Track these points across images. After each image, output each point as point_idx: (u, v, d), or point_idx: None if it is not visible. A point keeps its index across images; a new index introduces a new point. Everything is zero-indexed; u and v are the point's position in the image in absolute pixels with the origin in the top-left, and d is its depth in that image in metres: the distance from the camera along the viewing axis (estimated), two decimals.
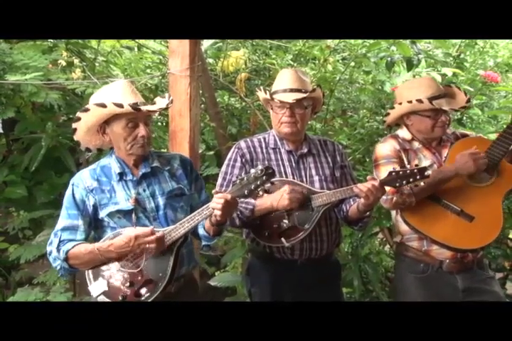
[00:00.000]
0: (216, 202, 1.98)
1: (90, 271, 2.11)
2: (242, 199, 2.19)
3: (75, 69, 3.30)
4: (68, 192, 2.13)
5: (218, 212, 1.99)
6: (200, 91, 3.29)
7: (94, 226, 2.17)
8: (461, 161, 2.38)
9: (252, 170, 1.98)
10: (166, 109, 2.17)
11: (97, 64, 3.85)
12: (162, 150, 3.58)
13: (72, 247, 2.07)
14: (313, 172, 2.45)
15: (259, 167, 1.97)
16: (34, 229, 4.09)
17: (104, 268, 2.08)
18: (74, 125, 2.13)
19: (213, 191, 2.04)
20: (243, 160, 2.43)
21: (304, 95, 2.37)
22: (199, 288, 2.42)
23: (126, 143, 2.08)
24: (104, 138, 2.12)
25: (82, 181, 2.12)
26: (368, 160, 3.87)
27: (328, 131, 4.00)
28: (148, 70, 4.34)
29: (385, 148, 2.51)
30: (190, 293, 2.21)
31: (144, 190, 2.13)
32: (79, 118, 2.09)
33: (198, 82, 2.94)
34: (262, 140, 2.50)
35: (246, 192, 1.98)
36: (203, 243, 2.24)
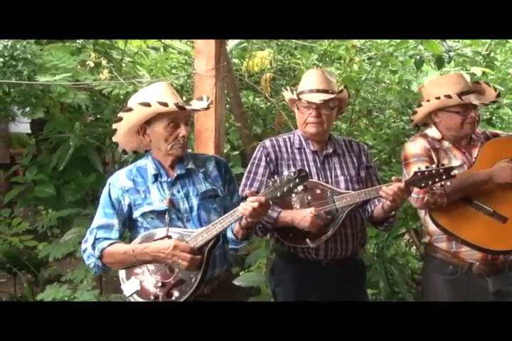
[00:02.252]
0: (249, 205, 1.98)
1: (124, 270, 2.13)
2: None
3: (102, 70, 3.35)
4: (105, 191, 2.17)
5: (250, 215, 1.99)
6: (226, 92, 3.31)
7: (129, 226, 2.20)
8: (499, 171, 2.34)
9: (285, 173, 1.99)
10: (207, 109, 2.20)
11: (123, 64, 3.91)
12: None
13: (108, 246, 2.09)
14: (339, 172, 2.44)
15: (292, 169, 1.99)
16: (62, 227, 4.17)
17: (137, 267, 2.11)
18: (114, 126, 2.15)
19: (246, 192, 2.05)
20: (268, 159, 2.44)
21: (331, 96, 2.37)
22: (233, 290, 2.46)
23: (166, 144, 2.10)
24: (144, 138, 2.15)
25: (118, 181, 2.16)
26: (393, 160, 3.84)
27: (354, 132, 3.98)
28: (173, 70, 4.39)
29: (415, 146, 2.48)
30: (224, 294, 2.21)
31: (178, 191, 2.15)
32: (120, 119, 2.12)
33: (223, 82, 2.96)
34: (287, 140, 2.51)
35: (279, 194, 1.98)
36: (230, 246, 2.25)
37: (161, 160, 2.17)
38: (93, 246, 2.11)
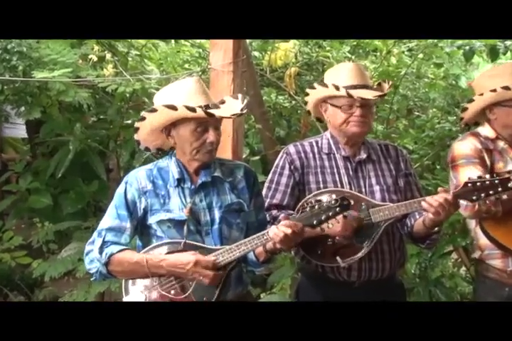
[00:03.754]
0: (282, 230, 2.00)
1: (129, 281, 2.18)
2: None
3: (106, 65, 3.42)
4: (120, 190, 2.19)
5: (281, 241, 2.01)
6: (245, 89, 3.32)
7: (140, 233, 2.23)
8: None
9: (326, 199, 2.05)
10: (241, 115, 2.23)
11: (130, 58, 3.98)
12: None
13: (118, 252, 2.10)
14: (373, 181, 2.45)
15: (334, 196, 2.03)
16: (59, 242, 4.23)
17: (145, 280, 2.14)
18: (137, 124, 2.19)
19: (281, 216, 2.08)
20: (292, 167, 2.46)
21: (382, 93, 2.40)
22: None
23: (192, 148, 2.13)
24: (168, 140, 2.19)
25: (136, 180, 2.18)
26: (438, 167, 3.83)
27: (391, 134, 3.99)
28: (186, 65, 4.44)
29: (465, 146, 2.45)
30: None
31: (201, 201, 2.18)
32: (143, 118, 2.16)
33: (242, 78, 2.98)
34: (314, 144, 2.52)
35: (315, 222, 2.02)
36: (249, 268, 2.26)
37: (185, 163, 2.20)
38: (100, 249, 2.12)
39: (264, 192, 2.48)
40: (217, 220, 2.17)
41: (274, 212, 2.40)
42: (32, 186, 4.20)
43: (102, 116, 4.35)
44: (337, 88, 2.37)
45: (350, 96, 2.35)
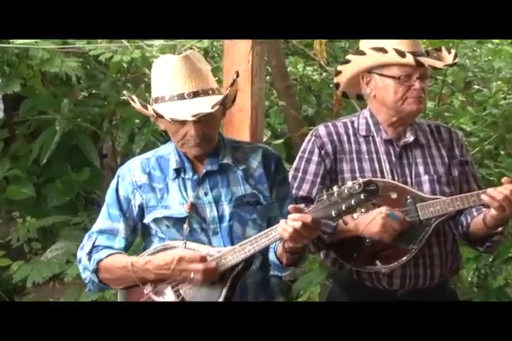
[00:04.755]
0: (290, 225, 1.98)
1: (123, 291, 2.22)
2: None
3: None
4: (112, 186, 2.23)
5: (290, 238, 1.99)
6: (266, 59, 3.32)
7: (142, 233, 2.27)
8: None
9: (348, 184, 1.99)
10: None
11: None
12: None
13: (106, 257, 2.14)
14: (421, 170, 2.44)
15: (359, 180, 1.98)
16: (44, 240, 4.28)
17: (141, 288, 2.16)
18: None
19: (289, 207, 2.04)
20: (322, 152, 2.45)
21: (453, 61, 2.42)
22: None
23: (176, 140, 2.15)
24: (157, 123, 2.23)
25: (129, 173, 2.21)
26: (502, 153, 3.81)
27: (444, 112, 3.97)
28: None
29: None
30: None
31: (206, 194, 2.18)
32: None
33: (262, 45, 2.98)
34: (350, 125, 2.51)
35: (334, 213, 1.98)
36: (273, 272, 2.26)
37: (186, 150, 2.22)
38: (89, 255, 2.18)
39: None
40: (226, 216, 2.17)
41: (302, 205, 2.37)
42: (10, 174, 4.25)
43: (94, 91, 4.38)
44: (402, 54, 2.34)
45: (419, 64, 2.33)
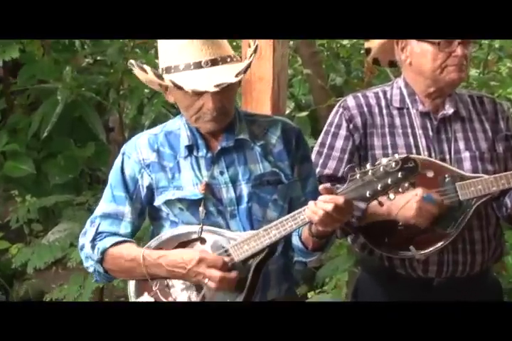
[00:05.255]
0: (321, 207, 1.98)
1: (133, 282, 2.20)
2: None
3: None
4: (117, 165, 2.22)
5: (321, 222, 2.00)
6: None
7: (150, 216, 2.27)
8: None
9: (383, 161, 1.97)
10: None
11: None
12: None
13: (112, 245, 2.14)
14: (462, 145, 2.43)
15: (395, 157, 1.97)
16: (45, 222, 4.32)
17: (148, 281, 2.17)
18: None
19: (320, 187, 2.04)
20: (351, 126, 2.45)
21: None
22: None
23: (189, 115, 2.14)
24: (168, 97, 2.21)
25: (136, 150, 2.20)
26: None
27: (490, 81, 3.93)
28: None
29: None
30: None
31: (222, 173, 2.18)
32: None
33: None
34: (382, 95, 2.50)
35: (368, 193, 1.98)
36: (297, 258, 2.27)
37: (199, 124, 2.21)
38: (92, 243, 2.18)
39: (313, 159, 2.48)
40: (245, 197, 2.17)
41: (328, 185, 2.37)
42: (8, 149, 4.27)
43: (99, 57, 4.38)
44: None
45: None
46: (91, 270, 2.22)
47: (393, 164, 1.94)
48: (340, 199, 1.96)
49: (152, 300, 2.17)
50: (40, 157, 4.29)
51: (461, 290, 2.42)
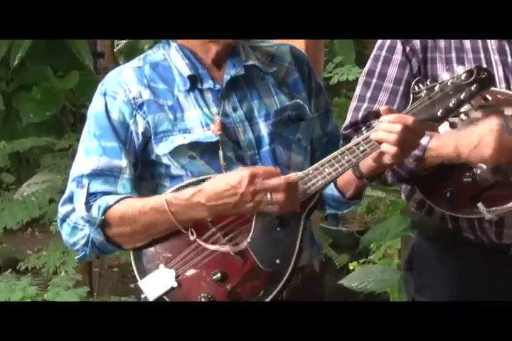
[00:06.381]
0: (387, 130, 2.01)
1: (143, 252, 2.17)
2: None
3: None
4: (98, 109, 2.20)
5: (391, 149, 2.02)
6: None
7: (141, 176, 2.24)
8: None
9: (460, 69, 1.99)
10: None
11: None
12: None
13: (117, 202, 2.11)
14: None
15: (466, 66, 1.99)
16: (18, 172, 4.36)
17: (167, 245, 2.16)
18: None
19: (382, 108, 2.06)
20: (407, 49, 2.45)
21: None
22: (324, 291, 2.51)
23: None
24: None
25: (122, 87, 2.19)
26: None
27: None
28: None
29: None
30: (310, 298, 2.26)
31: (235, 109, 2.19)
32: None
33: None
34: None
35: (440, 112, 2.01)
36: (329, 211, 2.35)
37: (195, 49, 2.21)
38: (87, 204, 2.14)
39: (357, 92, 2.51)
40: (265, 138, 2.20)
41: (376, 122, 2.35)
42: None
43: None
44: None
45: None
46: (81, 244, 2.18)
47: (464, 76, 1.98)
48: (409, 119, 2.00)
49: (172, 272, 2.15)
50: (10, 90, 4.29)
51: None
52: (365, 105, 2.45)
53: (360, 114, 2.44)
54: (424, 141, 2.25)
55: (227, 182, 2.04)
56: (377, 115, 2.42)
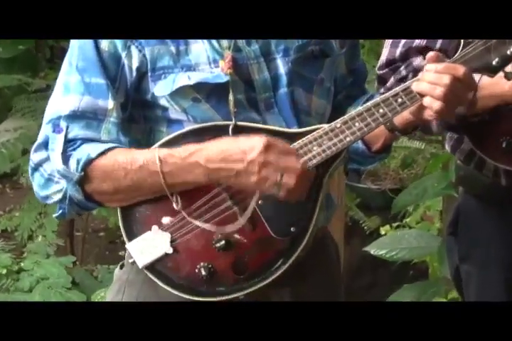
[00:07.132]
0: (433, 81, 2.01)
1: (132, 212, 2.17)
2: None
3: None
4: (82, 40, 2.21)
5: (436, 104, 2.02)
6: None
7: (130, 118, 2.23)
8: None
9: None
10: None
11: None
12: None
13: (100, 155, 2.08)
14: None
15: None
16: None
17: (161, 203, 2.15)
18: None
19: (429, 55, 2.03)
20: None
21: None
22: (340, 260, 2.53)
23: None
24: None
25: None
26: None
27: None
28: None
29: None
30: (324, 266, 2.31)
31: (249, 43, 2.18)
32: None
33: None
34: None
35: (495, 61, 2.03)
36: (350, 165, 2.37)
37: None
38: (64, 154, 2.11)
39: (387, 47, 2.53)
40: (283, 77, 2.18)
41: (418, 60, 2.42)
42: None
43: None
44: None
45: None
46: (56, 198, 2.15)
47: None
48: (460, 70, 2.00)
49: (167, 235, 2.16)
50: None
51: None
52: (399, 48, 2.47)
53: (399, 50, 2.45)
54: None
55: (237, 145, 2.04)
56: (419, 51, 2.43)
